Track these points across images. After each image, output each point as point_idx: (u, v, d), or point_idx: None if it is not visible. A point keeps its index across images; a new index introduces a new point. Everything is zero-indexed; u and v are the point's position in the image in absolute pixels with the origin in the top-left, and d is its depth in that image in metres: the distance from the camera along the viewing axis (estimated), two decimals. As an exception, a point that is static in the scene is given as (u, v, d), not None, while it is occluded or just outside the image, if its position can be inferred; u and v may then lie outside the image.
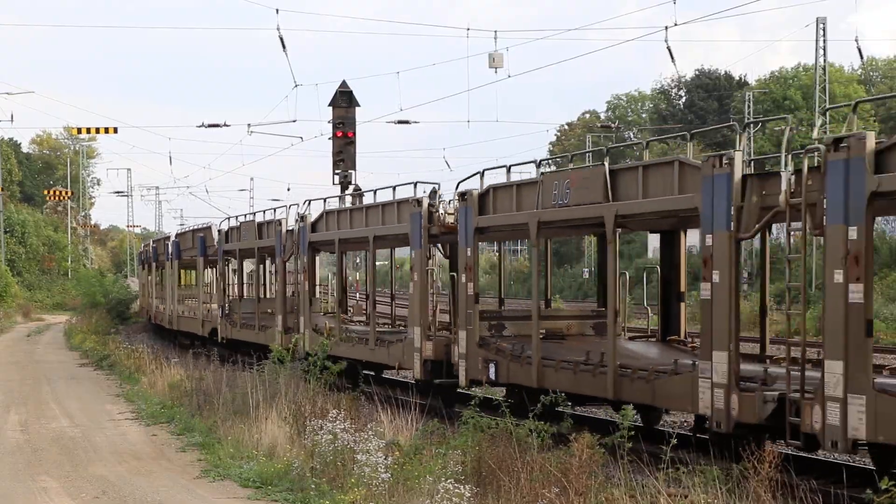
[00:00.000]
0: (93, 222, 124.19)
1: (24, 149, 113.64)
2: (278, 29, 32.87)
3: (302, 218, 29.13)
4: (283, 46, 33.32)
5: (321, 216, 28.39)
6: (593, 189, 16.97)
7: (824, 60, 54.96)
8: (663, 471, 10.79)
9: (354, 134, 34.85)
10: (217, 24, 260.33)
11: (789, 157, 13.86)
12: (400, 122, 42.04)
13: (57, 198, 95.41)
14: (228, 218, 38.60)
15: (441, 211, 22.14)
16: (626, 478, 11.04)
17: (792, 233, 13.81)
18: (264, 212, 34.66)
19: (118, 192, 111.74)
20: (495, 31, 36.29)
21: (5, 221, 79.58)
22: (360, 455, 12.50)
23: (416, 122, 44.37)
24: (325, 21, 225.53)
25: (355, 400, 18.35)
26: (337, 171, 34.69)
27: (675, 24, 32.49)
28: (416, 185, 23.11)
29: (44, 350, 41.55)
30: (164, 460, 16.23)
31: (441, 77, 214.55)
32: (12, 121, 65.61)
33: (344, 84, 35.11)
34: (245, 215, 36.89)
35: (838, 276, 12.51)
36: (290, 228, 30.08)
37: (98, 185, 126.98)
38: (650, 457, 12.52)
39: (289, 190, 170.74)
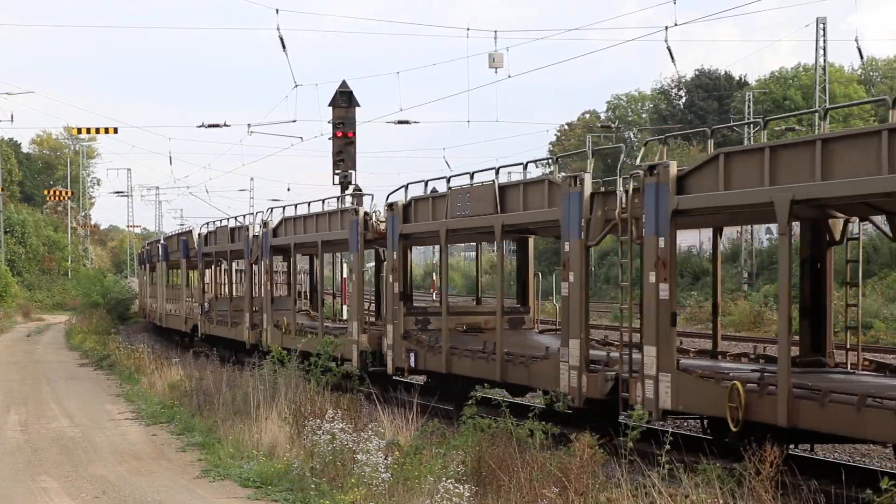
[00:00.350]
0: (93, 222, 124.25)
1: (25, 149, 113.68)
2: (278, 29, 32.95)
3: (265, 224, 32.03)
4: (283, 46, 33.39)
5: (280, 223, 31.27)
6: (487, 202, 20.06)
7: (824, 61, 54.91)
8: (658, 470, 10.77)
9: (354, 134, 34.82)
10: (217, 24, 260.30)
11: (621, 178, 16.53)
12: (400, 122, 42.06)
13: (57, 198, 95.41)
14: (207, 223, 40.98)
15: (374, 219, 25.04)
16: (627, 478, 11.02)
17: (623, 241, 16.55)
18: (236, 217, 37.26)
19: (118, 192, 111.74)
20: (495, 32, 36.36)
21: (5, 221, 79.57)
22: (360, 455, 12.49)
23: (416, 122, 44.42)
24: (325, 21, 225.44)
25: (355, 400, 18.41)
26: (337, 172, 34.66)
27: (676, 25, 32.54)
28: (354, 197, 26.19)
29: (44, 350, 41.55)
30: (164, 460, 16.23)
31: (441, 77, 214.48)
32: (12, 121, 65.77)
33: (344, 84, 35.08)
34: (220, 220, 39.40)
35: (652, 278, 15.33)
36: (256, 234, 32.86)
37: (98, 185, 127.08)
38: (644, 456, 12.53)
39: (289, 190, 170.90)
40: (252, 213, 34.38)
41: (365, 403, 19.79)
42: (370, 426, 14.40)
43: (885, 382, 13.98)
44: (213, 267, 41.14)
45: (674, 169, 15.01)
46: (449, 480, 10.89)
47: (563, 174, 18.02)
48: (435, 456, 12.58)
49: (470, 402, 13.77)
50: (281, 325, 29.77)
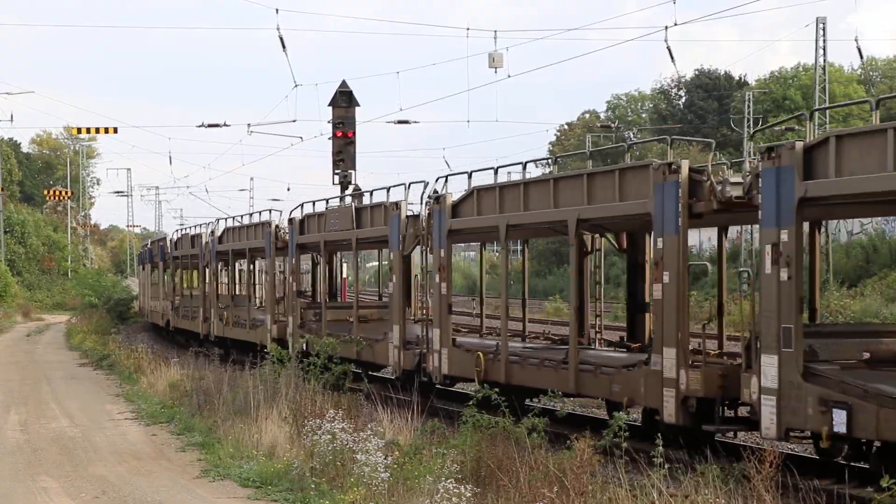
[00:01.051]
0: (93, 222, 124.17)
1: (24, 149, 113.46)
2: (278, 29, 33.06)
3: (212, 233, 38.16)
4: (283, 46, 33.45)
5: (224, 232, 37.34)
6: (347, 220, 25.74)
7: (824, 60, 54.94)
8: (657, 469, 10.75)
9: (354, 134, 34.83)
10: (217, 24, 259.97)
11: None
12: (400, 121, 42.06)
13: (57, 198, 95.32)
14: (176, 230, 48.02)
15: (282, 231, 30.52)
16: (626, 478, 11.01)
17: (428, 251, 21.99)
18: (196, 227, 42.94)
19: (118, 192, 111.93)
20: (495, 31, 36.34)
21: (5, 221, 79.54)
22: (360, 455, 12.49)
23: (416, 122, 44.41)
24: (326, 21, 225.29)
25: (354, 400, 18.45)
26: (337, 171, 34.68)
27: (675, 24, 32.46)
28: (270, 211, 32.72)
29: (44, 350, 41.53)
30: (164, 460, 16.23)
31: (441, 77, 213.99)
32: (12, 121, 65.79)
33: (344, 84, 35.08)
34: (187, 227, 46.67)
35: (437, 278, 21.13)
36: (207, 241, 38.51)
37: (98, 184, 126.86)
38: (645, 455, 12.51)
39: (288, 190, 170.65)
40: (206, 223, 40.67)
41: (365, 403, 19.79)
42: (370, 426, 14.40)
43: (590, 352, 19.11)
44: (179, 269, 46.48)
45: (450, 199, 20.88)
46: (449, 481, 10.88)
47: (391, 201, 23.53)
48: (434, 456, 12.58)
49: (471, 403, 13.78)
50: (223, 318, 35.49)
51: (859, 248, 53.61)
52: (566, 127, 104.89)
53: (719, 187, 14.50)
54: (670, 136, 18.85)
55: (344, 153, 34.54)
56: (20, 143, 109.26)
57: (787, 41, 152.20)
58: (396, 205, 22.88)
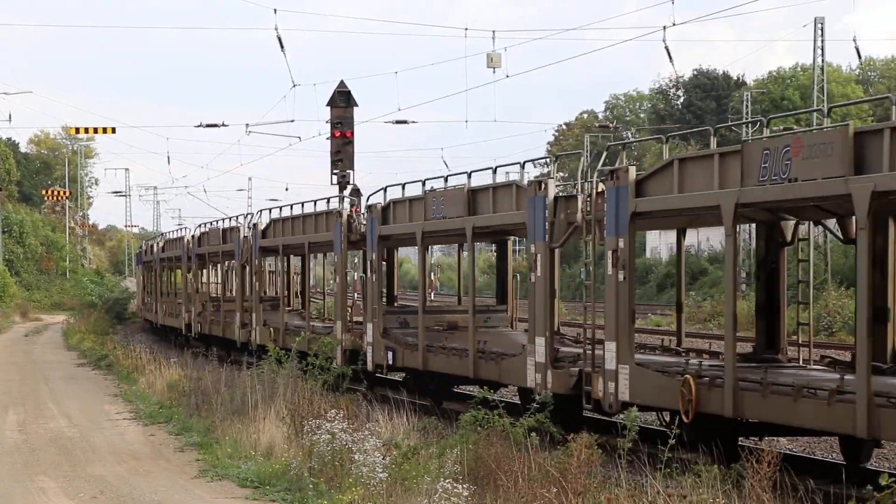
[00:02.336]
0: (91, 222, 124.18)
1: (23, 149, 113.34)
2: (276, 29, 33.04)
3: (159, 243, 50.58)
4: (282, 46, 33.47)
5: (165, 243, 48.49)
6: (218, 238, 36.61)
7: (822, 60, 54.92)
8: (659, 470, 10.76)
9: (352, 134, 34.79)
10: (215, 24, 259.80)
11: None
12: (398, 121, 42.04)
13: (55, 198, 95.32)
14: (146, 240, 61.92)
15: (192, 244, 40.91)
16: (626, 478, 11.01)
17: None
18: (156, 237, 57.59)
19: (116, 192, 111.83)
20: (493, 32, 36.13)
21: (3, 221, 79.49)
22: (358, 455, 12.48)
23: (414, 122, 44.41)
24: (324, 21, 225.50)
25: (353, 400, 18.46)
26: (335, 171, 34.64)
27: (674, 25, 32.39)
28: (185, 228, 44.90)
29: (42, 350, 41.51)
30: (163, 460, 16.22)
31: (439, 77, 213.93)
32: (10, 121, 65.78)
33: (342, 84, 35.04)
34: (164, 234, 56.61)
35: (253, 279, 32.41)
36: (157, 250, 49.70)
37: (96, 184, 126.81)
38: (647, 456, 12.52)
39: (287, 190, 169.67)
40: (160, 234, 54.00)
41: (363, 403, 19.79)
42: (367, 426, 14.38)
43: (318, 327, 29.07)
44: (147, 271, 55.29)
45: (260, 226, 31.48)
46: (448, 480, 10.88)
47: (234, 225, 35.48)
48: (431, 456, 12.56)
49: (472, 402, 13.76)
50: (165, 311, 46.64)
51: (857, 248, 53.49)
52: (564, 127, 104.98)
53: (358, 226, 25.07)
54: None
55: (342, 153, 34.50)
56: (18, 143, 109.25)
57: (785, 41, 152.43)
58: (237, 229, 34.20)
